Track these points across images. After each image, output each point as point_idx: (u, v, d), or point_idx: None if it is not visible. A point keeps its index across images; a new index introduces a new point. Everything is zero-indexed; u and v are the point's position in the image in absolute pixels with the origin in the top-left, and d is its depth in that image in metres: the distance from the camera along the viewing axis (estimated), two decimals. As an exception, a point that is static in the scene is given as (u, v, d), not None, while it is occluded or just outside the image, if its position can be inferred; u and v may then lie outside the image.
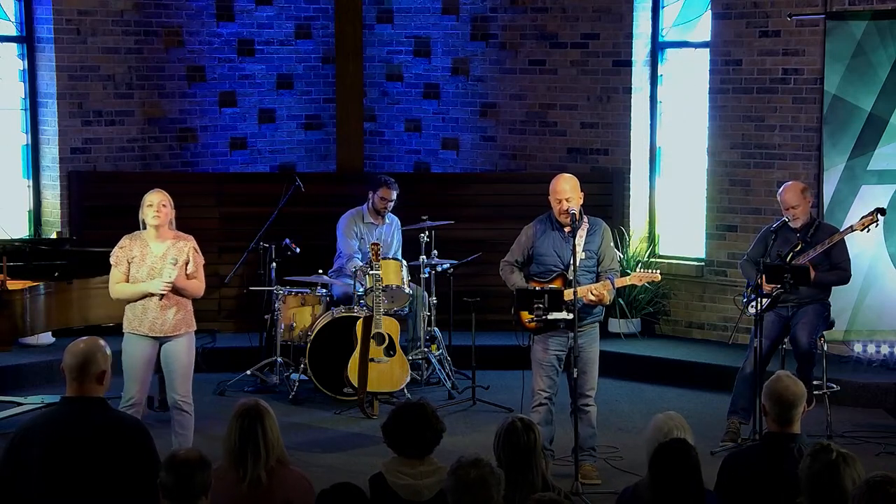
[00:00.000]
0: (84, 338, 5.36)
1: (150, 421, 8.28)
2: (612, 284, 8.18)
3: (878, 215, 9.03)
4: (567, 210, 8.10)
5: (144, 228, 7.98)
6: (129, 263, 7.95)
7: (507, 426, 5.41)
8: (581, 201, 8.23)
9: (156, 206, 7.90)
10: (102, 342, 5.33)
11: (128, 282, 7.96)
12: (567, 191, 8.16)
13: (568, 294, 8.04)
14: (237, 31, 12.57)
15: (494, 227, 11.29)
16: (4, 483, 5.15)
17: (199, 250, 8.06)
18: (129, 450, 5.16)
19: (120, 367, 7.69)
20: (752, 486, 5.33)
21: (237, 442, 5.22)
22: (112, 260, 8.02)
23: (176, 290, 7.92)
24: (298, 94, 13.00)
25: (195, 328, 8.15)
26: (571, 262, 8.03)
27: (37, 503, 5.10)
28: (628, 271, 9.94)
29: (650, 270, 8.61)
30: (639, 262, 11.21)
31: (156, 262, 7.92)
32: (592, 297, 8.10)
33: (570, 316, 7.97)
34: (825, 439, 8.76)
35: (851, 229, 9.09)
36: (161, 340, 7.99)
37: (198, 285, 8.04)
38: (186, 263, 7.97)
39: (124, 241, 8.04)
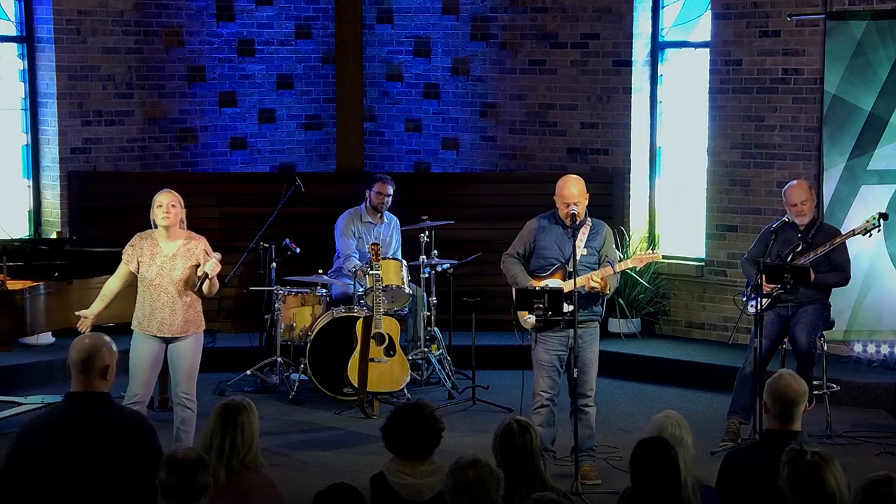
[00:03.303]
0: (89, 333, 5.42)
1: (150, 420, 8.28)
2: (613, 268, 8.22)
3: (881, 220, 8.96)
4: (572, 214, 8.18)
5: (155, 228, 8.03)
6: (139, 263, 8.01)
7: (504, 428, 5.42)
8: (586, 203, 8.31)
9: (165, 206, 7.99)
10: (107, 338, 5.40)
11: (135, 277, 8.03)
12: (575, 195, 8.22)
13: (568, 285, 8.06)
14: (237, 31, 12.56)
15: (494, 227, 11.28)
16: (10, 480, 5.16)
17: (210, 251, 8.11)
18: (133, 445, 5.18)
19: (126, 364, 7.76)
20: (753, 484, 5.34)
21: (209, 434, 5.32)
22: (123, 257, 8.11)
23: (196, 287, 7.97)
24: (298, 94, 13.00)
25: (204, 327, 8.22)
26: (572, 256, 8.06)
27: (42, 500, 5.11)
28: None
29: (649, 251, 8.63)
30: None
31: (165, 261, 7.99)
32: (595, 284, 8.12)
33: (570, 308, 7.99)
34: (825, 440, 8.84)
35: (853, 233, 9.06)
36: (168, 340, 8.05)
37: (216, 283, 8.12)
38: (198, 265, 8.01)
39: (136, 239, 8.13)
